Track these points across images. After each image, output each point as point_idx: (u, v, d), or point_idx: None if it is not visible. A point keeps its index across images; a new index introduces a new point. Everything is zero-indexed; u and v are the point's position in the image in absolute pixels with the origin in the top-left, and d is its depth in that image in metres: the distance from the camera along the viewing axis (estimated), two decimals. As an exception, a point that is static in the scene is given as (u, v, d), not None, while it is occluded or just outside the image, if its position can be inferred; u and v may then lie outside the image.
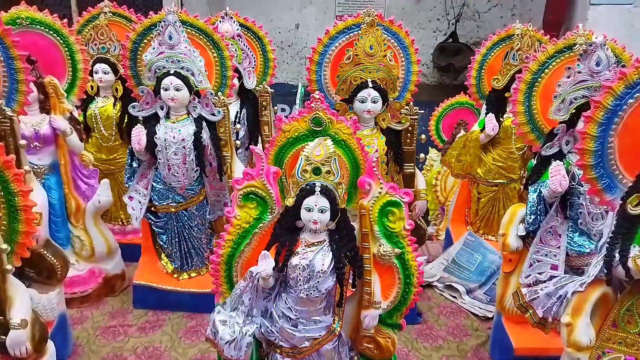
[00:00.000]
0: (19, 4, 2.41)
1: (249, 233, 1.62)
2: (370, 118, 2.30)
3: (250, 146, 2.41)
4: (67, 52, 2.51)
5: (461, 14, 6.37)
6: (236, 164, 2.61)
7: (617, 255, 1.61)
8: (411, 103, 2.42)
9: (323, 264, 1.57)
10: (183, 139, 2.39)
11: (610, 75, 1.97)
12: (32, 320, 1.79)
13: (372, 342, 1.75)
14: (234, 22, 2.96)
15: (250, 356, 1.65)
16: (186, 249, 2.66)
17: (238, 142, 2.73)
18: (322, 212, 1.53)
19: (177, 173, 2.46)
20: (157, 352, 2.39)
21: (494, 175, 3.03)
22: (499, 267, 2.83)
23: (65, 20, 2.52)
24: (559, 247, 2.11)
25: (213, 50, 2.45)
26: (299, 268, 1.57)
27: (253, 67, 3.04)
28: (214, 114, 2.43)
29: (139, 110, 2.41)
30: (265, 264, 1.55)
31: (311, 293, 1.59)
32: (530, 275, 2.12)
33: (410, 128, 2.40)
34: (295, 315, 1.63)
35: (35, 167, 2.45)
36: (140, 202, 2.55)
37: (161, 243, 2.67)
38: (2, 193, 1.67)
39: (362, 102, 2.24)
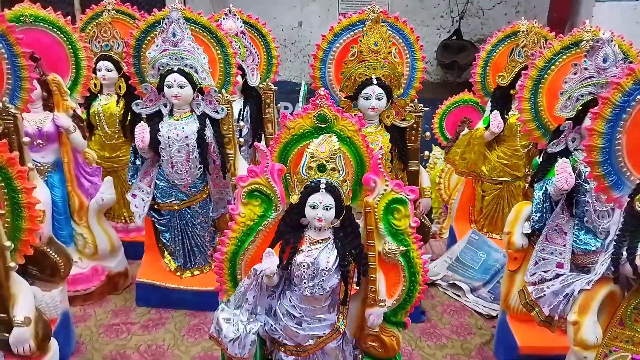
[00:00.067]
0: (23, 1, 2.41)
1: (253, 230, 1.61)
2: (375, 115, 2.29)
3: (255, 143, 2.40)
4: (71, 50, 2.50)
5: (465, 11, 6.34)
6: (239, 161, 2.60)
7: (624, 253, 1.60)
8: (416, 100, 2.41)
9: (328, 262, 1.56)
10: (186, 137, 2.39)
11: (618, 71, 1.95)
12: (35, 317, 1.79)
13: (377, 341, 1.74)
14: (238, 19, 2.95)
15: (254, 354, 1.64)
16: (189, 247, 2.65)
17: (241, 139, 2.72)
18: (327, 209, 1.52)
19: (181, 171, 2.45)
20: (160, 350, 2.39)
21: (498, 173, 3.01)
22: (503, 266, 2.81)
23: (69, 17, 2.51)
24: (564, 245, 2.10)
25: (217, 48, 2.44)
26: (304, 266, 1.56)
27: (256, 65, 3.03)
28: (217, 112, 2.42)
29: (142, 108, 2.41)
30: (270, 262, 1.54)
31: (316, 291, 1.58)
32: (535, 273, 2.11)
33: (414, 125, 2.39)
34: (300, 313, 1.62)
35: (39, 164, 2.45)
36: (143, 200, 2.55)
37: (164, 241, 2.67)
38: (6, 190, 1.67)
39: (367, 99, 2.22)
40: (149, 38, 2.39)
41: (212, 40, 2.43)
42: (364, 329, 1.72)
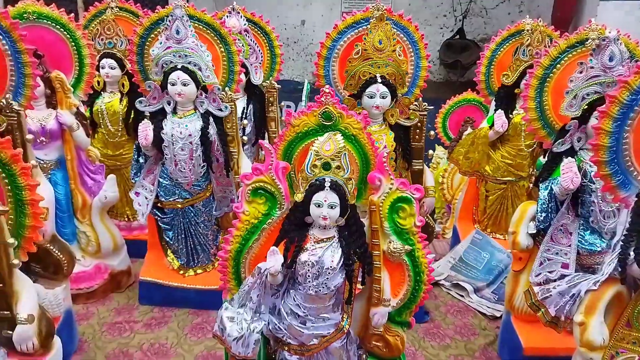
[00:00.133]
0: (26, -2, 2.40)
1: (258, 229, 1.61)
2: (379, 114, 2.28)
3: (260, 141, 2.39)
4: (74, 47, 2.50)
5: (468, 10, 6.33)
6: (243, 160, 2.59)
7: (632, 253, 1.58)
8: (420, 99, 2.40)
9: (332, 261, 1.55)
10: (190, 135, 2.38)
11: (624, 70, 1.94)
12: (38, 315, 1.78)
13: (381, 340, 1.73)
14: (241, 17, 2.94)
15: (257, 353, 1.63)
16: (192, 246, 2.65)
17: (245, 137, 2.71)
18: (331, 207, 1.51)
19: (184, 169, 2.44)
20: (163, 349, 2.38)
21: (502, 172, 3.00)
22: (506, 266, 2.81)
23: (72, 15, 2.51)
24: (569, 246, 2.08)
25: (220, 45, 2.43)
26: (308, 264, 1.55)
27: (260, 63, 3.02)
28: (221, 110, 2.42)
29: (145, 106, 2.40)
30: (274, 260, 1.54)
31: (320, 290, 1.57)
32: (540, 274, 2.09)
33: (419, 124, 2.38)
34: (304, 312, 1.62)
35: (42, 162, 2.44)
36: (146, 198, 2.54)
37: (167, 239, 2.66)
38: (10, 187, 1.67)
39: (371, 97, 2.21)
40: (152, 35, 2.38)
41: (215, 38, 2.42)
42: (369, 328, 1.71)
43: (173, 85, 2.30)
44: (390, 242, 1.61)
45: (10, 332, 1.74)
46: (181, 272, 2.67)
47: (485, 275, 2.87)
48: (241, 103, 2.97)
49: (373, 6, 2.25)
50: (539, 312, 1.91)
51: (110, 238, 2.69)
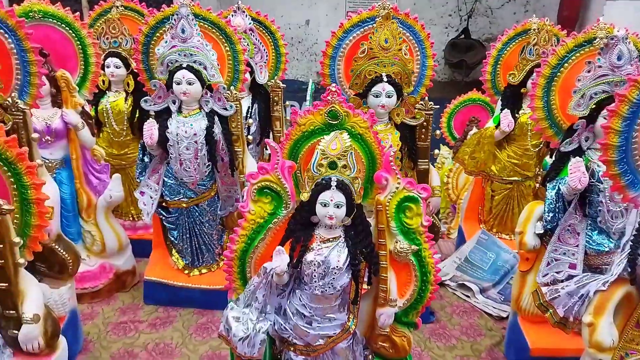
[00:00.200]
0: (32, -3, 2.40)
1: (263, 228, 1.60)
2: (385, 113, 2.27)
3: (265, 139, 2.38)
4: (79, 46, 2.50)
5: (474, 9, 6.31)
6: (248, 159, 2.58)
7: (641, 253, 1.57)
8: (426, 98, 2.38)
9: (338, 261, 1.54)
10: (195, 134, 2.37)
11: (632, 69, 1.93)
12: (44, 315, 1.78)
13: (388, 341, 1.72)
14: (246, 16, 2.94)
15: (263, 353, 1.62)
16: (197, 245, 2.64)
17: (250, 137, 2.71)
18: (338, 207, 1.50)
19: (189, 168, 2.44)
20: (168, 349, 2.38)
21: (508, 172, 2.98)
22: (512, 266, 2.79)
23: (77, 14, 2.51)
24: (577, 246, 2.06)
25: (225, 44, 2.43)
26: (314, 264, 1.54)
27: (265, 62, 3.01)
28: (226, 109, 2.41)
29: (151, 105, 2.39)
30: (280, 260, 1.53)
31: (326, 290, 1.56)
32: (548, 274, 2.08)
33: (424, 123, 2.36)
34: (310, 313, 1.61)
35: (47, 161, 2.45)
36: (151, 198, 2.54)
37: (172, 239, 2.66)
38: (15, 186, 1.67)
39: (377, 96, 2.20)
40: (157, 34, 2.38)
41: (221, 37, 2.42)
42: (375, 329, 1.70)
43: (178, 84, 2.29)
44: (396, 242, 1.59)
45: (16, 332, 1.74)
46: (186, 271, 2.67)
47: (491, 276, 2.86)
48: (246, 102, 2.97)
49: (379, 5, 2.24)
50: (547, 313, 1.90)
51: (115, 237, 2.69)
